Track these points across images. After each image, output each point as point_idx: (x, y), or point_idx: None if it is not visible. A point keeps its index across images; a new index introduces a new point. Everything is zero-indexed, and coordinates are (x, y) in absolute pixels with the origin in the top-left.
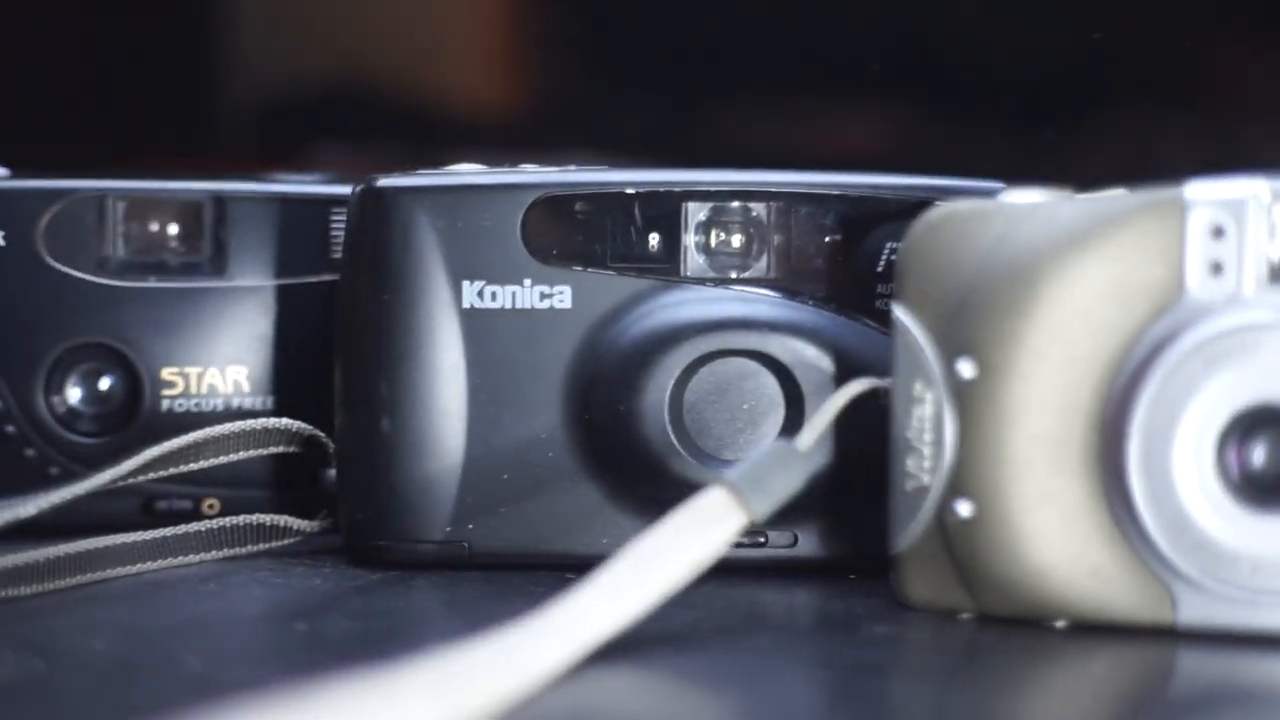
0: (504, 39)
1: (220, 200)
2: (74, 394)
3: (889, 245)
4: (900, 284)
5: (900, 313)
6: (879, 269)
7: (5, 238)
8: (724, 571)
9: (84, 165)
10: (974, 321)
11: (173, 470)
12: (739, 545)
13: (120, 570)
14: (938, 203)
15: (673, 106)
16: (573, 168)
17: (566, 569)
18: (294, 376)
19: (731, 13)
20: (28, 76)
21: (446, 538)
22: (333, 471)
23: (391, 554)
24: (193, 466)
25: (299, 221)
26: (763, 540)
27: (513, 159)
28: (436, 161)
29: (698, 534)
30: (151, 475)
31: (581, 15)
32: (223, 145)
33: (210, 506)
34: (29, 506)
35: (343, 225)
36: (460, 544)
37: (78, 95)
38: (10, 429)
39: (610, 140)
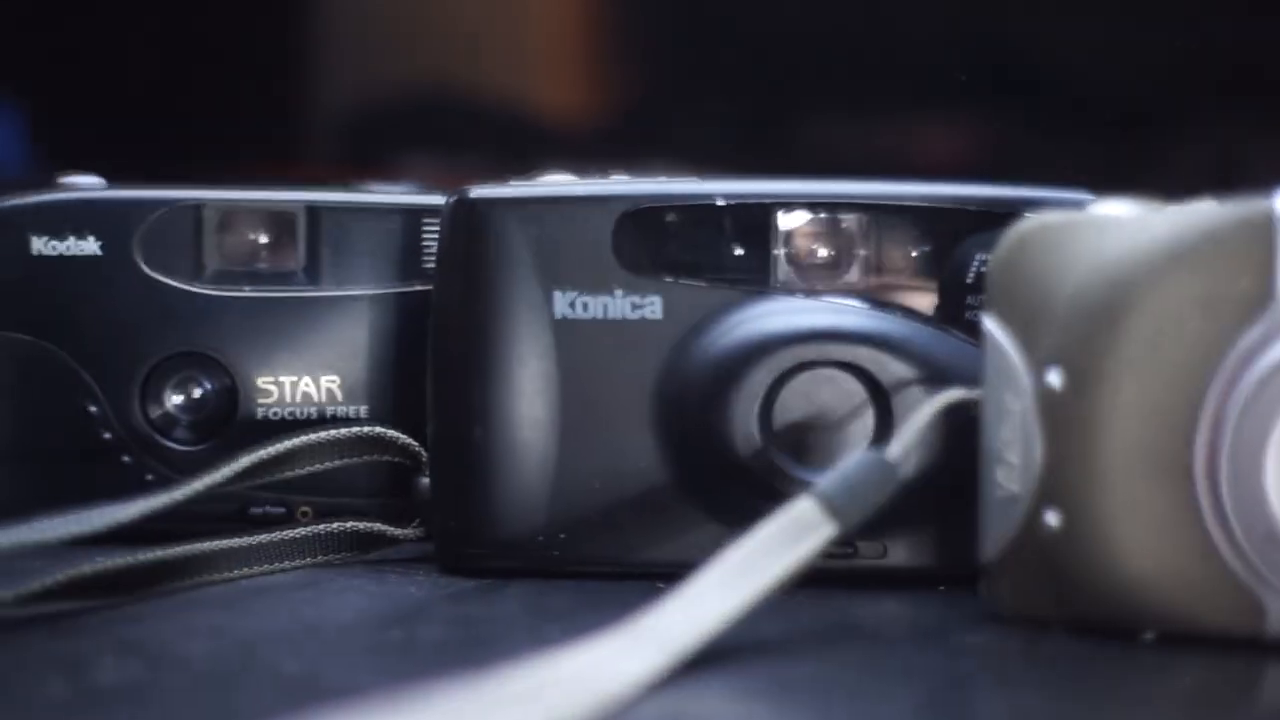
0: (588, 48)
1: (314, 210)
2: (170, 401)
3: (978, 256)
4: (990, 295)
5: (990, 323)
6: (968, 280)
7: (102, 247)
8: (813, 581)
9: (176, 175)
10: (1064, 332)
11: (268, 478)
12: (829, 555)
13: (217, 575)
14: (1027, 214)
15: (756, 116)
16: (662, 178)
17: (656, 578)
18: (386, 385)
19: (815, 21)
20: (123, 87)
21: (538, 546)
22: (425, 480)
23: (483, 562)
24: (288, 474)
25: (391, 231)
26: (852, 550)
27: (596, 168)
28: (520, 170)
29: (788, 544)
30: (247, 482)
31: (666, 24)
32: (311, 155)
33: (304, 513)
34: (129, 511)
35: (435, 235)
36: (551, 552)
37: (170, 105)
38: (107, 436)
39: (692, 149)
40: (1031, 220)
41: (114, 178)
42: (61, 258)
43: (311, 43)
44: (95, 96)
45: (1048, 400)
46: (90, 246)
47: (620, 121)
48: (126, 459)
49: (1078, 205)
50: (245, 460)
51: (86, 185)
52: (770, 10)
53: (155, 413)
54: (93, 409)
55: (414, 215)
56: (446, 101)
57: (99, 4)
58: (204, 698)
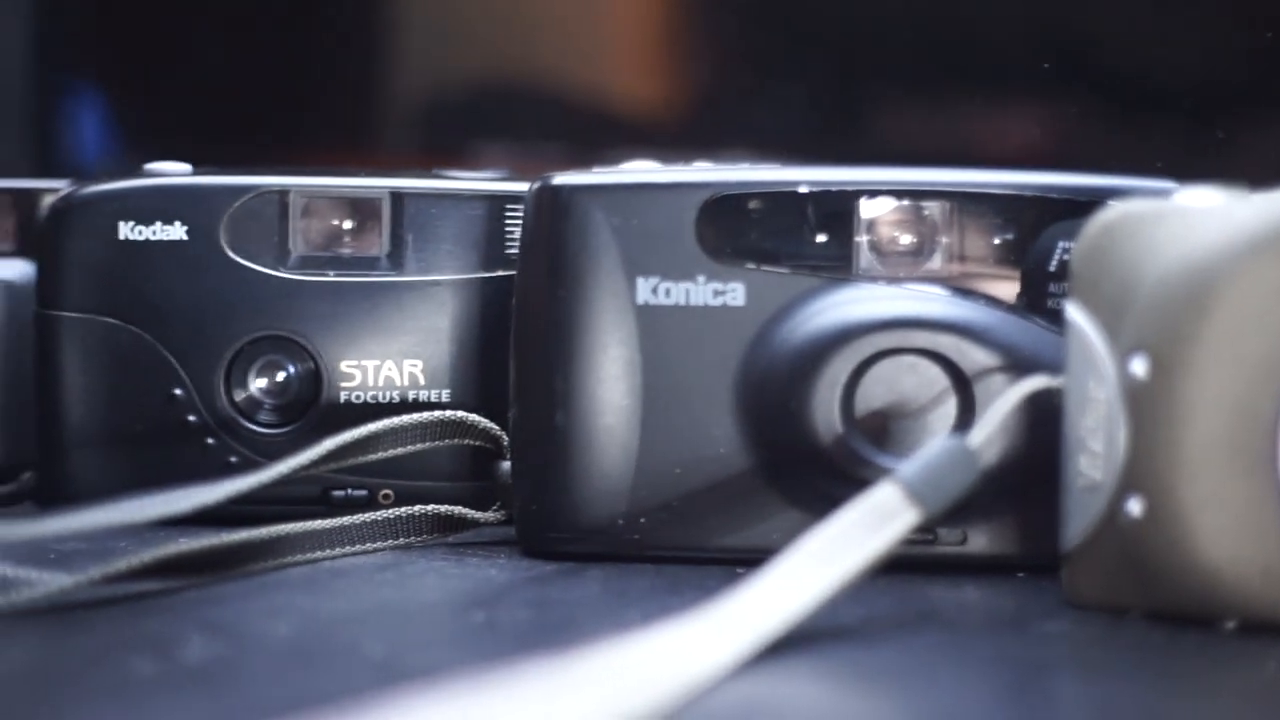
0: (666, 36)
1: (398, 196)
2: (254, 385)
3: (1062, 244)
4: (1074, 283)
5: (1074, 312)
6: (1051, 268)
7: (188, 232)
8: (893, 568)
9: (256, 161)
10: (1148, 321)
11: (351, 461)
12: (908, 542)
13: (300, 557)
14: (1111, 202)
15: (833, 103)
16: (745, 165)
17: (736, 563)
18: (468, 370)
19: (894, 8)
20: (204, 75)
21: (619, 530)
22: (507, 464)
23: (564, 545)
24: (371, 457)
25: (474, 217)
26: (931, 537)
27: (674, 156)
28: (596, 159)
29: (870, 531)
30: (331, 465)
31: (740, 11)
32: (388, 143)
33: (385, 496)
34: (215, 493)
35: (518, 221)
36: (632, 536)
37: (250, 93)
38: (192, 419)
39: (769, 137)
40: (1117, 209)
41: (194, 165)
42: (149, 243)
43: (390, 31)
44: (177, 85)
45: (1132, 389)
46: (177, 232)
47: (697, 110)
48: (210, 441)
49: (1163, 194)
50: (329, 443)
51: (173, 172)
52: None
53: (240, 396)
54: (178, 392)
55: (497, 201)
56: (523, 90)
57: None
58: (289, 678)
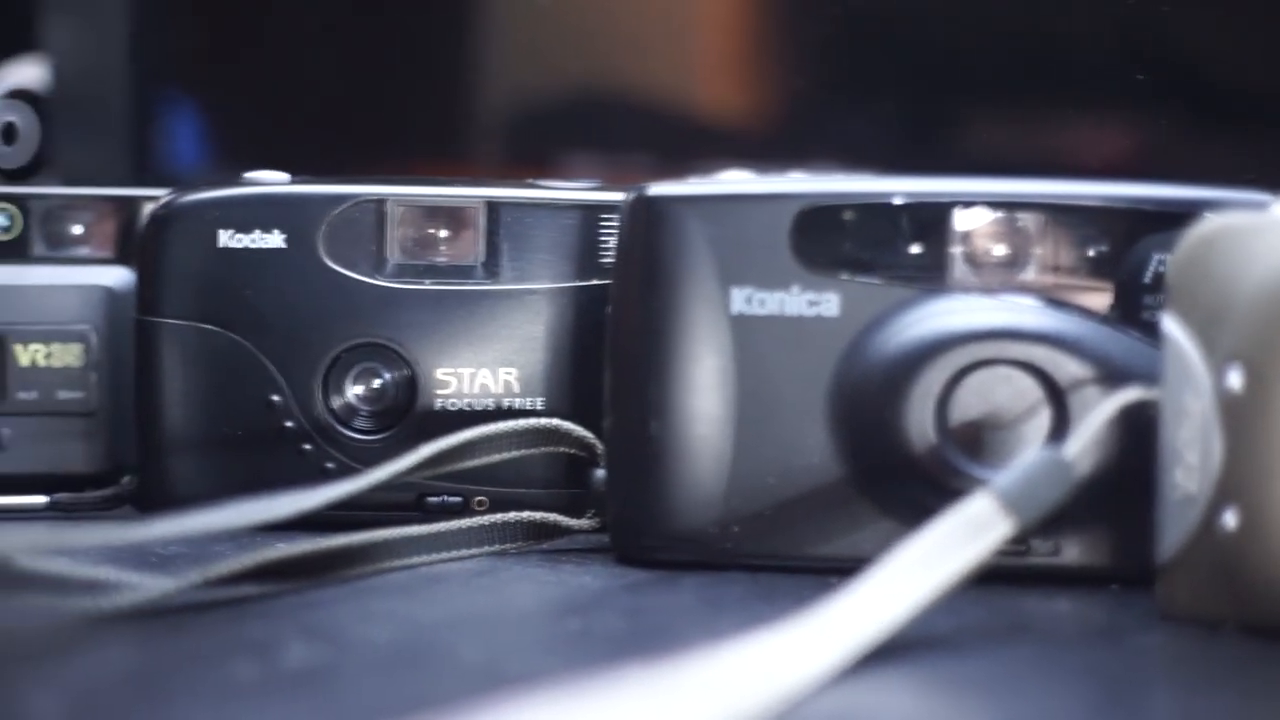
0: (750, 46)
1: (493, 206)
2: (351, 392)
3: (1156, 256)
4: (1170, 295)
5: (1170, 324)
6: (1145, 280)
7: (287, 240)
8: (985, 578)
9: (346, 171)
10: (1244, 333)
11: (447, 468)
12: (1001, 552)
13: (396, 562)
14: (1207, 214)
15: (921, 113)
16: (840, 176)
17: (828, 572)
18: (562, 378)
19: (981, 18)
20: (295, 87)
21: (712, 539)
22: (601, 472)
23: (657, 553)
24: (466, 464)
25: (569, 227)
26: (1024, 548)
27: (758, 166)
28: (682, 169)
29: (965, 541)
30: (427, 472)
31: (828, 22)
32: (477, 154)
33: (479, 503)
34: (314, 499)
35: (612, 231)
36: (725, 545)
37: (339, 104)
38: (289, 425)
39: (855, 147)
40: (1213, 220)
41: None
42: (248, 250)
43: (480, 42)
44: (269, 96)
45: (1228, 400)
46: (276, 240)
47: (784, 120)
48: (307, 447)
49: (1259, 206)
50: (427, 450)
51: (272, 180)
52: (935, 8)
53: (336, 402)
54: (276, 398)
55: (591, 211)
56: (611, 100)
57: (274, 5)
58: (390, 682)
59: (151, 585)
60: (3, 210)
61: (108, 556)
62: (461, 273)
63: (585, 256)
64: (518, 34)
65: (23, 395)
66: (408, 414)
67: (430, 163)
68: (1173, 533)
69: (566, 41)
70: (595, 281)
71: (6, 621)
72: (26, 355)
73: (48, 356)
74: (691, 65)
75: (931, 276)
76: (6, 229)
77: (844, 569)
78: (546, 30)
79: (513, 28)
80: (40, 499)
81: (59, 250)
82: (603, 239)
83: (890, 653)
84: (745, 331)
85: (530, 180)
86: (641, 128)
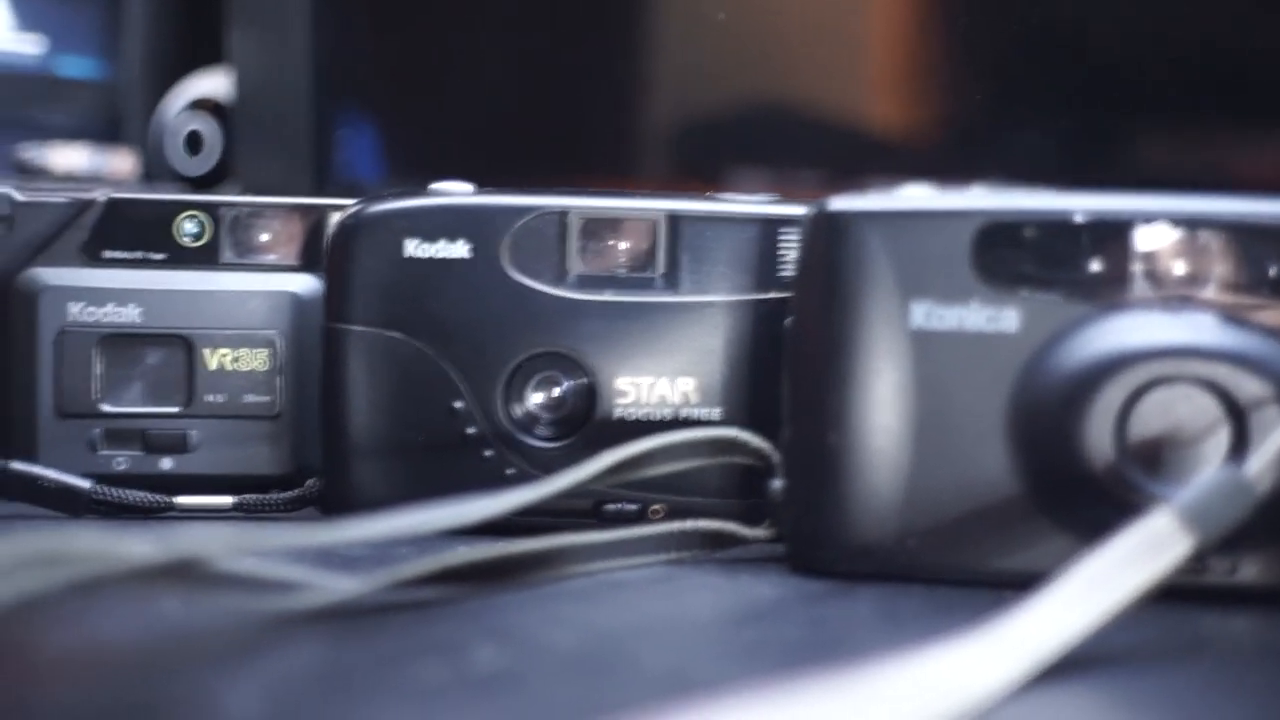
0: (919, 62)
1: (674, 218)
2: (532, 400)
3: None
4: None
5: None
6: None
7: (472, 250)
8: (1160, 596)
9: (520, 183)
10: None
11: (627, 476)
12: (1178, 570)
13: (576, 568)
14: None
15: (1092, 128)
16: (1020, 192)
17: (1004, 587)
18: (740, 389)
19: (1151, 34)
20: (473, 100)
21: (888, 551)
22: (778, 482)
23: (834, 565)
24: (645, 473)
25: (748, 240)
26: (1201, 566)
27: (928, 181)
28: (851, 184)
29: (1144, 558)
30: (607, 480)
31: (998, 37)
32: (646, 167)
33: (654, 511)
34: (500, 505)
35: (791, 244)
36: (901, 558)
37: (515, 118)
38: (472, 431)
39: (1027, 163)
40: None
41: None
42: (433, 260)
43: (653, 58)
44: (445, 109)
45: None
46: (461, 250)
47: (954, 136)
48: (488, 454)
49: None
50: (609, 458)
51: (457, 191)
52: (1110, 22)
53: (518, 410)
54: (458, 405)
55: (770, 225)
56: (779, 115)
57: (450, 22)
58: (576, 687)
59: (341, 586)
60: (193, 217)
61: (296, 557)
62: (642, 284)
63: (764, 269)
64: (691, 49)
65: (210, 398)
66: (586, 422)
67: (602, 176)
68: None
69: (739, 57)
70: (773, 294)
71: (202, 621)
72: (214, 359)
73: (235, 361)
74: (862, 81)
75: (1111, 293)
76: (197, 236)
77: (1019, 583)
78: (720, 46)
79: (686, 43)
80: (226, 500)
81: (247, 257)
82: (781, 252)
83: (1067, 668)
84: (924, 346)
85: (708, 193)
86: (812, 143)
